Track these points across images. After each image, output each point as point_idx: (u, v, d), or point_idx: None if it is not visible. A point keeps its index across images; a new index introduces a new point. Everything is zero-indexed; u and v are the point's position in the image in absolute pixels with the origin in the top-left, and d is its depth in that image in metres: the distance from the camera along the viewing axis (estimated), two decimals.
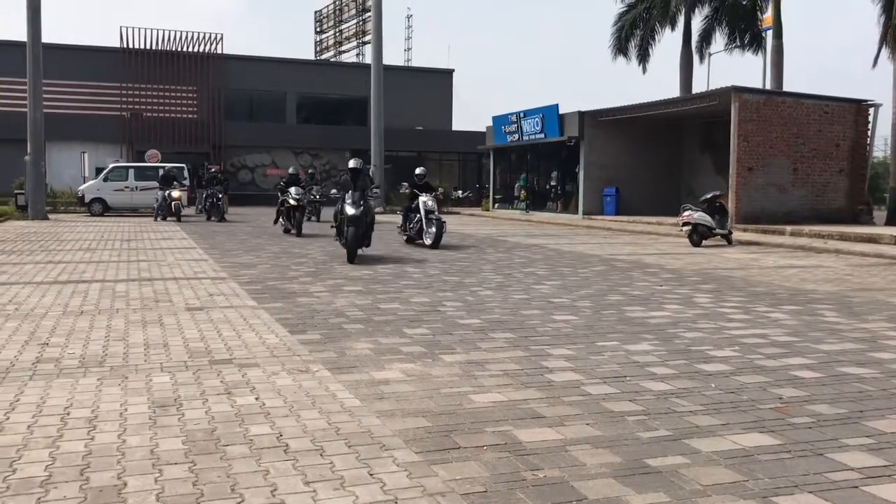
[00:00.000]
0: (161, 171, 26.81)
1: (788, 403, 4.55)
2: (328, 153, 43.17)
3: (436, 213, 15.45)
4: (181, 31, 42.20)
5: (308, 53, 57.75)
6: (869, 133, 24.01)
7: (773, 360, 5.69)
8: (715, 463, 3.56)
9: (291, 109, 45.05)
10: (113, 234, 18.61)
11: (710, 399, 4.62)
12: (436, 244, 15.08)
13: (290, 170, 22.02)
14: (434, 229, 15.23)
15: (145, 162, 33.73)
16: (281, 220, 19.75)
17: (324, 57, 55.19)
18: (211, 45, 42.21)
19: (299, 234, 18.04)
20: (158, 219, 25.23)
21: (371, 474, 3.33)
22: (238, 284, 9.51)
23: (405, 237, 16.44)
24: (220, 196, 25.31)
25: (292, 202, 18.74)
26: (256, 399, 4.45)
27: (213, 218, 25.21)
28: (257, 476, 3.29)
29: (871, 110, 23.83)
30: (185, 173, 29.41)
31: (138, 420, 4.05)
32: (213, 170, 27.19)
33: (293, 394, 4.57)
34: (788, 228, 19.58)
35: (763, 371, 5.35)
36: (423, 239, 15.48)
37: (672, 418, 4.22)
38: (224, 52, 42.55)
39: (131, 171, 29.30)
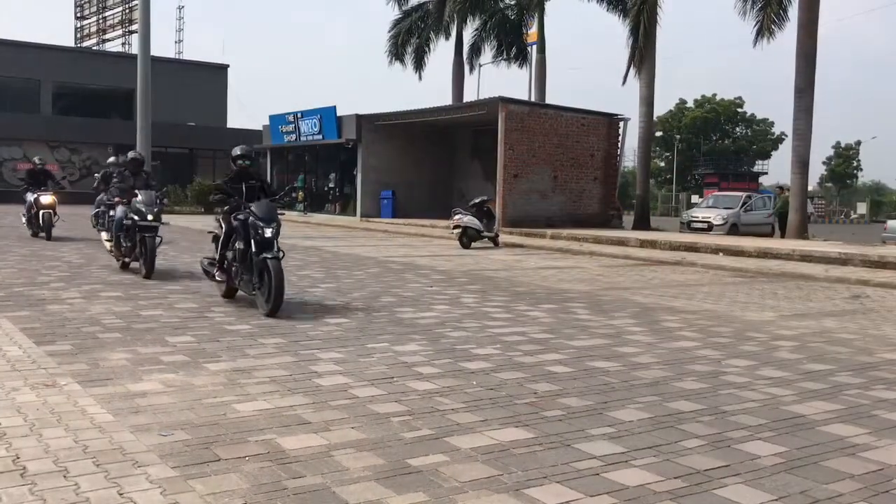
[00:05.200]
0: (33, 166, 18.13)
1: (542, 398, 4.85)
2: (89, 148, 40.10)
3: (275, 245, 7.57)
4: None
5: (67, 40, 53.33)
6: (619, 144, 26.32)
7: (531, 357, 6.05)
8: (473, 459, 3.71)
9: (47, 99, 41.43)
10: None
11: (471, 396, 4.82)
12: (274, 310, 7.40)
13: (131, 154, 11.97)
14: (270, 279, 7.37)
15: None
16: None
17: (86, 45, 51.17)
18: None
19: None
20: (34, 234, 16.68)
21: (121, 494, 3.13)
22: None
23: (220, 285, 8.35)
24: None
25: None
26: None
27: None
28: None
29: (622, 124, 26.11)
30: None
31: None
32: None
33: (36, 411, 4.19)
34: (549, 232, 20.95)
35: (521, 367, 5.66)
36: (256, 292, 7.64)
37: (435, 417, 4.35)
38: None
39: None
